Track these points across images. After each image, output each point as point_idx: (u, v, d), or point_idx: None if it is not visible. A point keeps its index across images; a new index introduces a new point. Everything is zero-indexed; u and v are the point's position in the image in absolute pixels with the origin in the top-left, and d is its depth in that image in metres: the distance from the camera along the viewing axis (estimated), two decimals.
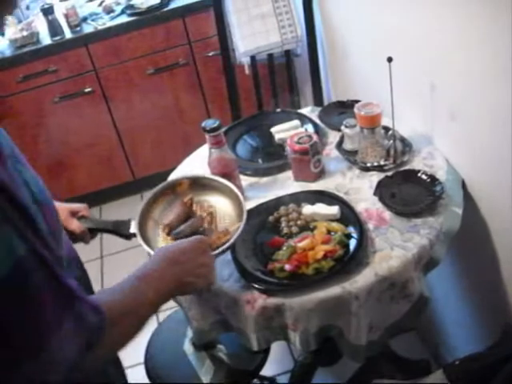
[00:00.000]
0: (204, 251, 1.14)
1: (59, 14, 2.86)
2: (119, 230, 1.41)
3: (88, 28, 2.89)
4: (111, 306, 0.89)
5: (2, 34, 2.86)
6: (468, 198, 1.48)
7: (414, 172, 1.51)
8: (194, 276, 1.09)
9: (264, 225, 1.47)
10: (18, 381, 0.76)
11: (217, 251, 1.24)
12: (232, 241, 1.27)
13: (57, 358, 0.78)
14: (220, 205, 1.43)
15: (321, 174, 1.61)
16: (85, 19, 2.96)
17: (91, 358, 0.85)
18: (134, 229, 1.36)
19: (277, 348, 2.16)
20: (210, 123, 1.46)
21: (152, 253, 1.25)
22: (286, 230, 1.43)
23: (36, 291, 0.76)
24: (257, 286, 1.29)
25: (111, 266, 2.97)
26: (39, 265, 0.77)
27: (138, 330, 0.96)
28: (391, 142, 1.56)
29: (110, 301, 0.92)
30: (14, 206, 0.75)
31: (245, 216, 1.32)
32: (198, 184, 1.47)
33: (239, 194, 1.40)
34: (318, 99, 2.50)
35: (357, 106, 1.57)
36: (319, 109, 1.94)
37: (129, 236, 1.39)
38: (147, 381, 1.71)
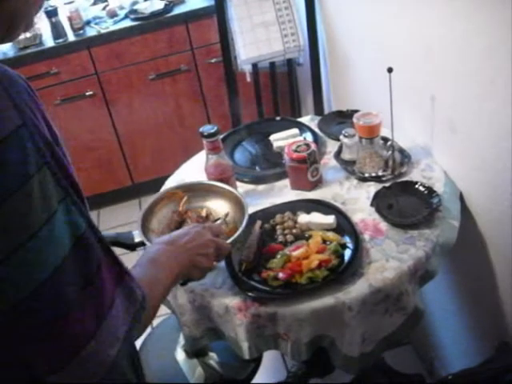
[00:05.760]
0: (200, 233, 1.12)
1: (63, 17, 2.87)
2: (123, 240, 1.42)
3: (91, 31, 2.89)
4: (142, 285, 0.85)
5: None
6: (465, 211, 1.47)
7: (412, 183, 1.50)
8: (198, 255, 1.07)
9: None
10: (74, 367, 0.71)
11: (230, 239, 1.24)
12: (239, 232, 1.28)
13: (110, 335, 0.73)
14: (217, 207, 1.44)
15: (318, 183, 1.60)
16: (88, 22, 2.96)
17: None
18: (139, 237, 1.35)
19: (269, 357, 2.14)
20: (207, 128, 1.46)
21: None
22: (281, 239, 1.42)
23: (98, 266, 0.73)
24: (250, 294, 1.28)
25: None
26: (95, 238, 0.74)
27: (155, 313, 0.93)
28: (390, 152, 1.55)
29: (140, 279, 0.87)
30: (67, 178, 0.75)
31: (247, 212, 1.34)
32: (193, 190, 1.46)
33: (236, 192, 1.42)
34: (318, 108, 2.50)
35: (356, 115, 1.56)
36: (319, 118, 1.94)
37: (134, 246, 1.40)
38: None
